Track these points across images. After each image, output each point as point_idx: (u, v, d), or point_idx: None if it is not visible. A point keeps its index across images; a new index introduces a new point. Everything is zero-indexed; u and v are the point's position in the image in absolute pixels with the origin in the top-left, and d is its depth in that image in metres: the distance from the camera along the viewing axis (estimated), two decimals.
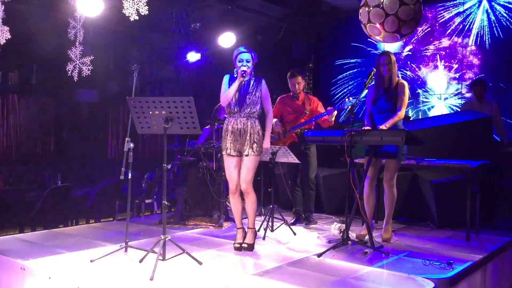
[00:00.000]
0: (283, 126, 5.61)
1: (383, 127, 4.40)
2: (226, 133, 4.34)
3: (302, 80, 5.58)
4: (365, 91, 4.62)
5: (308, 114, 5.51)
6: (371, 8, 4.55)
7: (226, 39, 7.67)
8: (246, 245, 4.33)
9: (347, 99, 4.97)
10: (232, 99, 4.31)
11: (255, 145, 4.26)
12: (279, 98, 5.74)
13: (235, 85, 4.29)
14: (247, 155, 4.26)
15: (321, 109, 5.55)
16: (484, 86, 6.62)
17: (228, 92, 4.30)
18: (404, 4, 4.42)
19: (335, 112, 5.23)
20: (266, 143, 4.42)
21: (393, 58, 4.58)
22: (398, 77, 4.70)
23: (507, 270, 4.66)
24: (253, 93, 4.31)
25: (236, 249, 4.36)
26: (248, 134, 4.26)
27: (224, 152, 4.36)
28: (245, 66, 4.27)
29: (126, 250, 4.10)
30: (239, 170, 4.33)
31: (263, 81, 4.39)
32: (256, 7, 8.17)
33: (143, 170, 6.68)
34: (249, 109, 4.29)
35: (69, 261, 3.93)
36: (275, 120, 5.60)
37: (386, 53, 4.60)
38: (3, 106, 8.15)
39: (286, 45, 8.99)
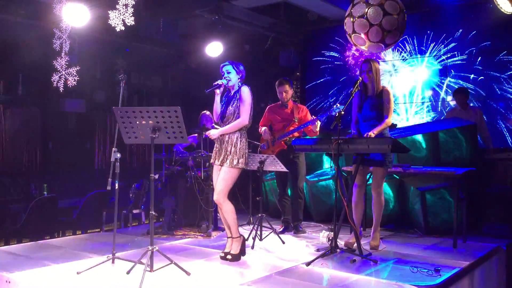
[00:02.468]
0: (271, 135, 5.62)
1: (371, 134, 4.43)
2: (215, 143, 4.41)
3: (290, 88, 5.60)
4: (351, 99, 4.65)
5: (297, 122, 5.53)
6: (355, 19, 4.60)
7: (214, 49, 7.68)
8: (230, 256, 4.30)
9: (335, 106, 5.01)
10: (219, 113, 4.39)
11: (229, 156, 4.22)
12: (268, 107, 5.76)
13: (217, 100, 4.39)
14: (221, 165, 4.27)
15: (309, 117, 5.58)
16: (466, 94, 6.70)
17: (214, 109, 4.42)
18: (387, 14, 4.48)
19: (319, 122, 5.28)
20: (213, 132, 4.32)
21: (376, 65, 4.62)
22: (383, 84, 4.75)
23: (494, 276, 4.70)
24: (232, 104, 4.31)
25: (221, 258, 4.34)
26: (225, 145, 4.27)
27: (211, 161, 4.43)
28: (223, 79, 4.34)
29: (113, 262, 4.06)
30: None
31: (243, 87, 4.30)
32: (243, 17, 8.22)
33: (131, 180, 6.63)
34: (228, 121, 4.31)
35: (56, 273, 3.89)
36: (264, 128, 5.62)
37: (367, 61, 4.64)
38: None
39: (274, 54, 9.04)
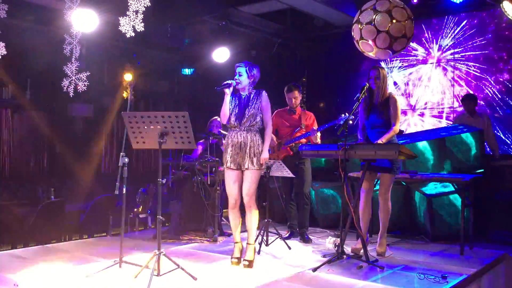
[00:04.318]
0: (277, 140, 5.63)
1: (380, 142, 4.43)
2: (227, 146, 4.33)
3: (299, 94, 5.61)
4: (358, 105, 4.65)
5: (304, 129, 5.54)
6: (363, 25, 4.62)
7: (220, 54, 7.72)
8: (247, 262, 4.27)
9: (342, 115, 5.03)
10: (232, 114, 4.32)
11: (255, 158, 4.23)
12: (275, 111, 5.76)
13: (226, 100, 4.32)
14: (247, 169, 4.23)
15: (315, 125, 5.60)
16: (474, 100, 6.68)
17: (223, 109, 4.33)
18: (395, 21, 4.50)
19: (319, 134, 5.31)
20: (264, 154, 4.30)
21: (383, 72, 4.63)
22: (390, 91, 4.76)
23: (501, 283, 4.67)
24: (252, 106, 4.29)
25: (234, 264, 4.32)
26: (248, 148, 4.24)
27: (224, 166, 4.36)
28: (233, 80, 4.32)
29: (120, 266, 4.08)
30: (239, 185, 4.30)
31: (264, 93, 4.35)
32: (250, 23, 8.26)
33: (137, 185, 6.66)
34: (248, 123, 4.28)
35: (63, 277, 3.90)
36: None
37: (375, 68, 4.65)
38: None
39: (280, 60, 9.07)
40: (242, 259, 4.34)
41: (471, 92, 7.39)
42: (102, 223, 6.49)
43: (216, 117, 6.41)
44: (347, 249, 4.60)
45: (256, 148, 4.26)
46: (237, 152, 4.26)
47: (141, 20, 4.87)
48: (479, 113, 6.76)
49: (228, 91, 4.33)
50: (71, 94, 5.47)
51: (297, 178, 5.49)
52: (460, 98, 7.19)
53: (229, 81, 4.33)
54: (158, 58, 9.28)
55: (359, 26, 4.68)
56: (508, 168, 6.43)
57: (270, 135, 4.41)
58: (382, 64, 8.00)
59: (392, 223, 5.17)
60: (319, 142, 5.35)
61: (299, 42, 9.10)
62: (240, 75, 4.33)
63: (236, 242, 4.41)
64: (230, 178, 4.33)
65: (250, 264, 4.27)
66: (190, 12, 7.38)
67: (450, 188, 5.53)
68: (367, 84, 4.63)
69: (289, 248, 5.03)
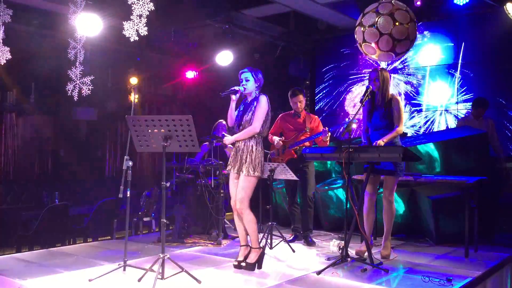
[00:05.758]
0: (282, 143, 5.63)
1: (380, 142, 4.42)
2: (231, 150, 4.41)
3: (304, 98, 5.62)
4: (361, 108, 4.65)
5: (308, 132, 5.54)
6: (366, 28, 4.63)
7: (224, 58, 7.75)
8: (245, 264, 4.28)
9: (346, 119, 5.02)
10: (236, 119, 4.38)
11: (247, 164, 4.21)
12: (280, 115, 5.77)
13: (232, 105, 4.36)
14: (239, 174, 4.26)
15: (321, 128, 5.59)
16: (485, 105, 6.56)
17: (228, 112, 4.38)
18: (398, 24, 4.51)
19: (329, 134, 5.30)
20: (227, 139, 4.33)
21: (384, 74, 4.61)
22: (393, 92, 4.75)
23: (506, 286, 4.65)
24: (249, 112, 4.29)
25: (234, 266, 4.32)
26: (241, 152, 4.26)
27: (227, 168, 4.42)
28: (240, 86, 4.33)
29: (124, 269, 4.08)
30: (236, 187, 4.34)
31: (260, 97, 4.29)
32: (253, 26, 8.29)
33: (141, 188, 6.67)
34: (244, 128, 4.28)
35: (68, 281, 3.92)
36: (276, 138, 5.62)
37: (375, 70, 4.65)
38: (1, 125, 8.18)
39: (283, 63, 9.09)
40: (245, 262, 4.33)
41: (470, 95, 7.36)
42: (106, 226, 6.52)
43: (221, 120, 6.43)
44: (352, 252, 4.59)
45: (248, 154, 4.23)
46: (235, 157, 4.31)
47: (144, 24, 4.90)
48: (483, 116, 6.71)
49: (234, 97, 4.34)
50: (75, 98, 5.50)
51: (300, 181, 5.49)
52: (471, 101, 7.09)
53: (236, 88, 4.33)
54: (162, 62, 9.32)
55: (362, 28, 4.69)
56: None
57: (246, 133, 4.22)
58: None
59: (396, 225, 5.16)
60: (328, 142, 5.35)
61: (302, 45, 9.12)
62: (247, 80, 4.34)
63: (241, 245, 4.40)
64: (231, 180, 4.38)
65: (248, 266, 4.25)
66: (193, 16, 7.41)
67: (455, 190, 5.51)
68: (371, 87, 4.63)
69: (293, 251, 5.02)
